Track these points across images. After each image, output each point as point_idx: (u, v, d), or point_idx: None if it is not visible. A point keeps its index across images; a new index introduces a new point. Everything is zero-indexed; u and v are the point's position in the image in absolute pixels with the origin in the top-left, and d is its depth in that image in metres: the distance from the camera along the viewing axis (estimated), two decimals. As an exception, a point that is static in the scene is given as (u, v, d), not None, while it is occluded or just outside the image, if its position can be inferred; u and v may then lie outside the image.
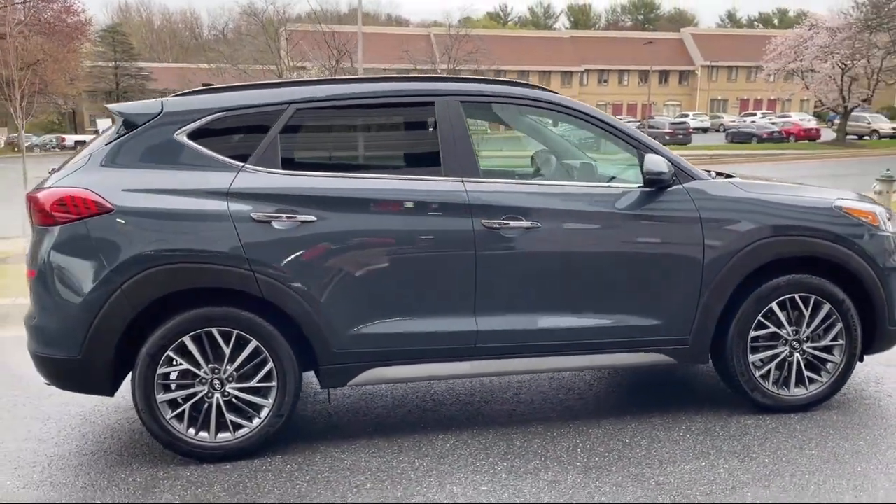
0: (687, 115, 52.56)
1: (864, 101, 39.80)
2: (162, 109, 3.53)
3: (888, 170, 10.42)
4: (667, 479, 3.15)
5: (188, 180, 3.44)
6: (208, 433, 3.46)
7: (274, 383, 3.47)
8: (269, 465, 3.43)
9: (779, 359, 3.78)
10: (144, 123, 3.50)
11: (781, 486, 3.06)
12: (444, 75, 4.30)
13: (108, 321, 3.33)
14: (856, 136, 40.78)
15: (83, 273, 3.34)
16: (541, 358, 3.66)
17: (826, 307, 3.76)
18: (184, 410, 3.44)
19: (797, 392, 3.80)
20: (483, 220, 3.51)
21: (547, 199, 3.65)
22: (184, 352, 3.40)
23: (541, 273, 3.60)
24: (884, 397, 3.99)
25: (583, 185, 3.87)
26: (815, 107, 57.99)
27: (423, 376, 3.67)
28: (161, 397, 3.41)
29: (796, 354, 3.78)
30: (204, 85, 4.22)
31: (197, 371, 3.42)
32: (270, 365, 3.46)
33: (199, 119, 3.52)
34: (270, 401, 3.48)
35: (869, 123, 41.90)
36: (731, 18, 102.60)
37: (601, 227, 3.64)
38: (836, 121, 42.80)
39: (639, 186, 3.69)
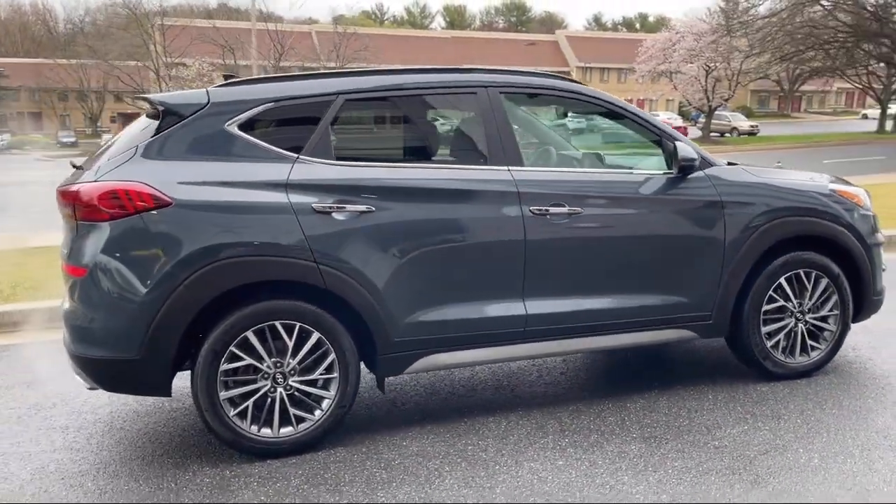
0: (566, 116, 54.56)
1: (725, 100, 42.78)
2: (209, 100, 3.45)
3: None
4: (722, 443, 3.41)
5: (245, 172, 3.38)
6: (271, 429, 3.41)
7: (335, 374, 3.47)
8: (336, 456, 3.43)
9: (786, 330, 4.15)
10: (192, 114, 3.40)
11: (824, 443, 3.39)
12: (482, 67, 4.35)
13: (170, 318, 3.22)
14: (718, 134, 43.74)
15: (142, 269, 3.21)
16: (584, 338, 3.85)
17: (824, 281, 4.16)
18: (247, 407, 3.38)
19: (801, 359, 4.19)
20: (531, 207, 3.65)
21: (587, 185, 3.84)
22: (247, 347, 3.35)
23: (584, 257, 3.79)
24: (865, 361, 4.45)
25: (617, 172, 4.08)
26: (680, 106, 61.90)
27: (477, 360, 3.77)
28: (224, 395, 3.34)
29: (800, 325, 4.17)
30: (225, 77, 4.12)
31: (260, 366, 3.37)
32: (332, 356, 3.45)
33: (249, 110, 3.47)
34: (332, 392, 3.48)
35: (729, 121, 45.12)
36: (598, 22, 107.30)
37: (636, 212, 3.87)
38: (701, 119, 45.74)
39: (664, 173, 3.95)
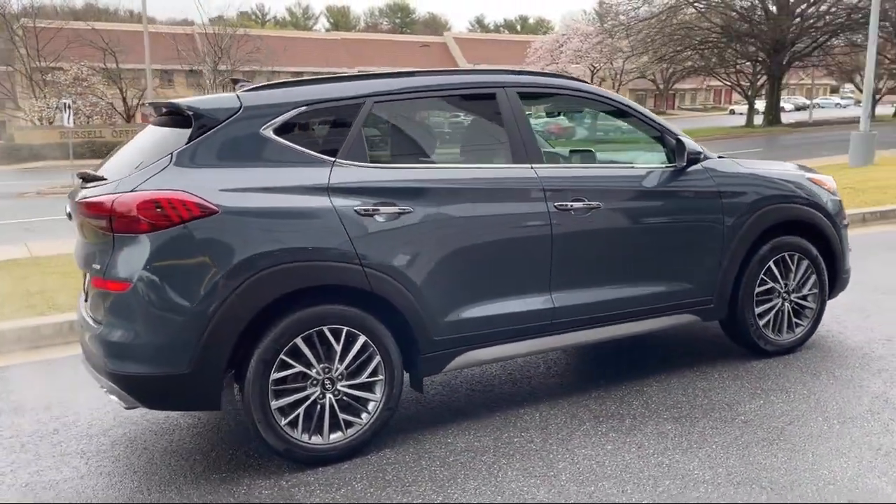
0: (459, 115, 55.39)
1: (609, 99, 44.69)
2: (241, 104, 3.37)
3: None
4: (748, 418, 3.66)
5: (285, 177, 3.33)
6: (321, 435, 3.38)
7: (381, 377, 3.47)
8: (388, 458, 3.43)
9: (775, 310, 4.48)
10: (225, 120, 3.32)
11: (836, 411, 3.70)
12: (498, 68, 4.45)
13: (222, 329, 3.14)
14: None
15: (191, 280, 3.12)
16: (606, 327, 4.01)
17: (805, 262, 4.52)
18: (297, 415, 3.33)
19: (788, 336, 4.53)
20: (555, 203, 3.78)
21: (602, 181, 4.01)
22: (296, 354, 3.30)
23: (603, 249, 3.96)
24: (837, 334, 4.86)
25: (626, 167, 4.26)
26: (565, 105, 63.93)
27: (510, 355, 3.86)
28: (275, 404, 3.28)
29: (786, 304, 4.51)
30: (234, 81, 4.02)
31: (309, 373, 3.33)
32: (378, 359, 3.46)
33: (282, 114, 3.42)
34: (379, 395, 3.48)
35: (614, 120, 47.16)
36: (480, 24, 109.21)
37: (647, 204, 4.08)
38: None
39: (667, 166, 4.17)
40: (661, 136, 4.22)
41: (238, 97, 3.42)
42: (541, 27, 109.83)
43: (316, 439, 3.37)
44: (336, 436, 3.41)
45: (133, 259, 3.11)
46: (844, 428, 3.49)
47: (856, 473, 3.05)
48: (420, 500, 3.04)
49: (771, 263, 4.41)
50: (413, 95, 3.76)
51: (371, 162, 3.52)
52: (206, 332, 3.12)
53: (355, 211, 3.37)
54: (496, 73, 4.00)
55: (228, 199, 3.18)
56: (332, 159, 3.44)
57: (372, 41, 70.58)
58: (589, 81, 33.17)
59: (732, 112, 67.31)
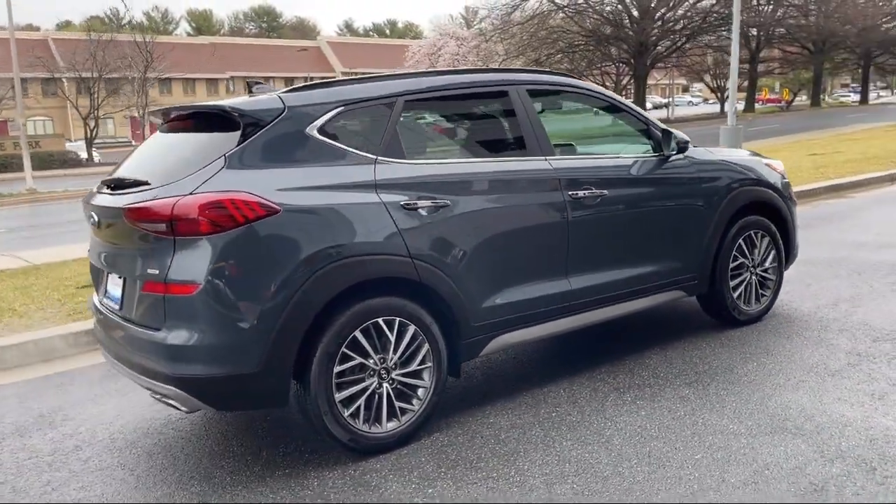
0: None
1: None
2: (284, 105, 3.43)
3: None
4: (752, 378, 4.07)
5: (335, 175, 3.42)
6: (380, 424, 3.49)
7: (430, 364, 3.62)
8: (442, 440, 3.58)
9: (745, 283, 4.96)
10: (273, 121, 3.37)
11: (822, 367, 4.17)
12: (505, 67, 4.64)
13: (290, 326, 3.20)
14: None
15: (259, 280, 3.15)
16: (614, 306, 4.33)
17: (767, 239, 5.04)
18: (359, 406, 3.42)
19: (756, 306, 5.04)
20: (569, 192, 4.06)
21: (606, 170, 4.32)
22: (355, 346, 3.39)
23: (609, 233, 4.27)
24: (789, 303, 5.41)
25: (623, 157, 4.57)
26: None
27: (535, 337, 4.08)
28: (338, 396, 3.36)
29: (754, 277, 5.01)
30: (248, 85, 4.04)
31: (367, 364, 3.43)
32: (426, 347, 3.60)
33: (324, 114, 3.50)
34: (428, 382, 3.62)
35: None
36: (350, 28, 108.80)
37: (643, 191, 4.44)
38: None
39: (654, 155, 4.55)
40: (647, 130, 4.59)
41: (280, 98, 3.47)
42: (410, 31, 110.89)
43: (375, 428, 3.47)
44: (392, 424, 3.52)
45: (199, 261, 3.10)
46: (836, 380, 3.96)
47: (864, 415, 3.50)
48: (494, 475, 3.22)
49: (741, 241, 4.89)
50: (437, 94, 3.93)
51: (408, 158, 3.66)
52: (275, 329, 3.16)
53: (401, 206, 3.50)
54: (506, 71, 4.23)
55: (287, 198, 3.24)
56: (374, 157, 3.55)
57: (241, 45, 68.85)
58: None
59: (597, 113, 70.65)
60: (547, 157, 4.07)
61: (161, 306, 3.20)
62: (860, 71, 60.78)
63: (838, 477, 2.96)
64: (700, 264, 4.69)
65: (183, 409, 3.30)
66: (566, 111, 4.88)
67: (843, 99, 72.89)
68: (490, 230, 3.79)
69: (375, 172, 3.50)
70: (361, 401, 3.43)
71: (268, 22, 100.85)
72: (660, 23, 37.69)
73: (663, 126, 4.56)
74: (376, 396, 3.48)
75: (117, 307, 3.56)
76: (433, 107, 4.01)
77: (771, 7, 38.72)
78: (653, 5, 37.41)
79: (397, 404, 3.54)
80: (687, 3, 37.70)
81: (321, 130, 3.47)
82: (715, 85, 54.53)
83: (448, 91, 3.98)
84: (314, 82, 3.85)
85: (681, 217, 4.60)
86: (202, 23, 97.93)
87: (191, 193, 3.13)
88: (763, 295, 5.09)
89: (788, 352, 4.43)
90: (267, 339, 3.16)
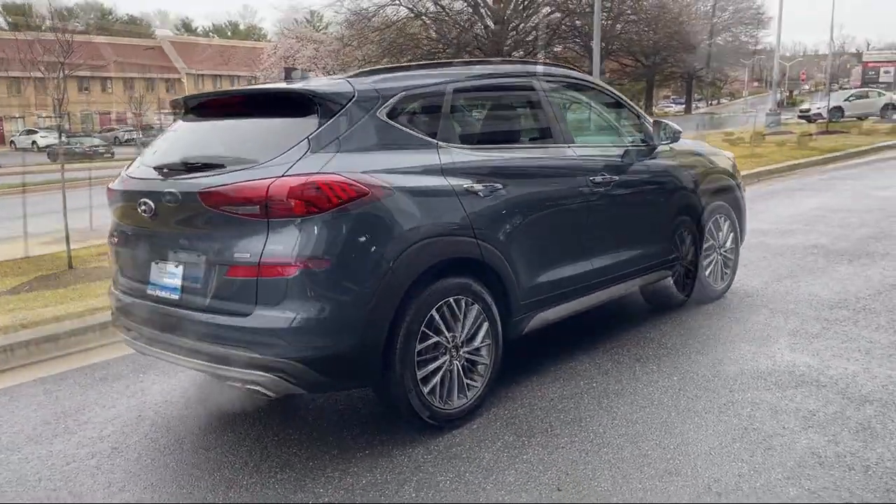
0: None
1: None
2: (353, 89, 3.46)
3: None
4: (725, 347, 4.52)
5: (407, 159, 3.50)
6: (451, 400, 3.59)
7: (489, 341, 3.76)
8: (504, 413, 3.74)
9: (714, 262, 5.48)
10: (346, 104, 3.40)
11: (802, 333, 4.72)
12: (519, 59, 4.78)
13: (383, 305, 3.26)
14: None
15: (353, 260, 3.18)
16: (623, 284, 4.68)
17: (728, 222, 5.59)
18: (434, 383, 3.51)
19: (721, 284, 5.58)
20: (589, 178, 4.35)
21: (613, 157, 4.65)
22: (431, 325, 3.48)
23: (620, 216, 4.61)
24: (738, 280, 6.00)
25: (622, 145, 4.89)
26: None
27: (564, 315, 4.31)
28: (419, 374, 3.43)
29: (719, 257, 5.54)
30: (287, 70, 3.99)
31: (441, 341, 3.53)
32: (486, 324, 3.74)
33: (389, 99, 3.57)
34: (488, 358, 3.76)
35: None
36: (188, 27, 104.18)
37: (644, 177, 4.81)
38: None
39: (646, 145, 4.94)
40: (640, 123, 4.98)
41: (349, 83, 3.49)
42: (253, 33, 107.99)
43: (447, 405, 3.57)
44: (461, 400, 3.64)
45: (295, 243, 3.08)
46: (822, 341, 4.50)
47: (864, 368, 4.04)
48: (576, 439, 3.42)
49: (710, 224, 5.40)
50: (479, 83, 4.09)
51: (462, 144, 3.79)
52: (368, 308, 3.20)
53: (465, 189, 3.63)
54: (528, 63, 4.46)
55: (373, 180, 3.28)
56: (435, 142, 3.65)
57: (75, 43, 64.10)
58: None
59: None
60: (570, 145, 4.34)
61: (252, 290, 3.13)
62: (683, 84, 66.46)
63: (876, 416, 3.44)
64: (682, 246, 5.14)
65: (270, 395, 3.25)
66: (565, 101, 5.16)
67: (666, 109, 79.09)
68: (533, 213, 3.99)
69: (440, 157, 3.61)
70: (437, 378, 3.52)
71: (95, 18, 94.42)
72: (514, 32, 39.28)
73: (659, 118, 4.97)
74: (448, 373, 3.58)
75: (176, 296, 3.43)
76: (475, 96, 4.15)
77: (610, 22, 41.42)
78: (505, 17, 38.88)
79: (465, 381, 3.66)
80: (537, 15, 39.55)
81: (389, 115, 3.53)
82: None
83: (487, 80, 4.15)
84: (372, 68, 3.88)
85: (670, 201, 5.03)
86: (18, 18, 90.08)
87: (284, 175, 3.11)
88: (725, 273, 5.64)
89: (766, 320, 4.97)
90: (361, 318, 3.19)
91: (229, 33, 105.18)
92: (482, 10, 39.03)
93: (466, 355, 3.66)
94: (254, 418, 3.86)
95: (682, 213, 5.10)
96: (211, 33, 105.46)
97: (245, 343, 3.14)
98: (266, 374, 3.14)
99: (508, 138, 4.31)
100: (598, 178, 4.39)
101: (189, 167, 3.39)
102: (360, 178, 3.23)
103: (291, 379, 3.16)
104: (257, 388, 3.22)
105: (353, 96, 3.43)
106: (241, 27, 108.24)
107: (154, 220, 3.48)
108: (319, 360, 3.15)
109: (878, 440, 3.21)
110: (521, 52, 39.68)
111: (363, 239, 3.21)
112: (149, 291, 3.60)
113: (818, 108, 32.21)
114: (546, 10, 39.12)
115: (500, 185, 3.80)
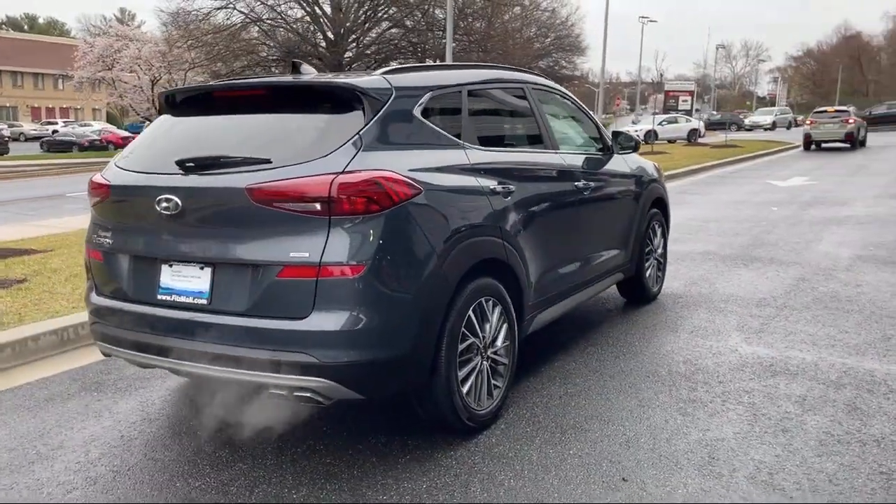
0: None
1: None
2: (391, 86, 3.39)
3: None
4: (688, 343, 4.88)
5: (441, 157, 3.48)
6: (482, 402, 3.58)
7: (508, 342, 3.79)
8: (523, 413, 3.78)
9: (651, 266, 5.86)
10: (388, 101, 3.31)
11: (752, 328, 5.17)
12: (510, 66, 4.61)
13: (434, 305, 3.22)
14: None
15: (411, 260, 3.12)
16: (598, 284, 4.91)
17: (661, 228, 6.00)
18: (471, 385, 3.49)
19: (656, 287, 5.98)
20: (575, 182, 4.53)
21: (589, 163, 4.84)
22: (469, 326, 3.46)
23: (598, 219, 4.84)
24: (665, 284, 6.45)
25: (593, 153, 5.07)
26: (108, 116, 59.56)
27: (557, 315, 4.42)
28: (460, 375, 3.40)
29: (655, 261, 5.93)
30: (293, 65, 3.80)
31: (475, 342, 3.51)
32: (506, 326, 3.77)
33: (422, 97, 3.52)
34: (507, 359, 3.78)
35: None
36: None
37: (611, 182, 5.07)
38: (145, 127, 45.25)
39: (605, 153, 5.19)
40: (600, 134, 5.23)
41: (386, 79, 3.40)
42: (54, 28, 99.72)
43: (480, 406, 3.55)
44: (489, 401, 3.63)
45: (360, 241, 2.95)
46: (769, 336, 4.95)
47: (818, 357, 4.50)
48: (608, 431, 3.53)
49: (649, 229, 5.78)
50: (486, 87, 4.12)
51: (480, 145, 3.80)
52: (423, 309, 3.13)
53: (490, 189, 3.65)
54: (520, 70, 4.56)
55: (422, 178, 3.22)
56: (461, 141, 3.65)
57: None
58: (149, 91, 32.13)
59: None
60: (557, 151, 4.49)
61: (310, 292, 2.95)
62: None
63: (856, 398, 3.85)
64: (632, 248, 5.46)
65: (323, 401, 3.08)
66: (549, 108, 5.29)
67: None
68: (539, 214, 4.08)
69: (468, 156, 3.61)
70: (472, 379, 3.50)
71: None
72: (355, 45, 39.23)
73: (621, 129, 5.25)
74: (480, 375, 3.56)
75: (203, 300, 3.15)
76: (484, 99, 4.15)
77: (445, 41, 42.48)
78: (342, 31, 38.70)
79: (493, 381, 3.66)
80: (378, 28, 39.78)
81: (423, 113, 3.48)
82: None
83: (493, 85, 4.20)
84: (396, 66, 3.78)
85: (630, 206, 5.33)
86: None
87: (345, 171, 2.97)
88: (659, 276, 6.04)
89: (709, 317, 5.39)
90: (420, 319, 3.12)
91: (26, 27, 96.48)
92: (322, 20, 38.63)
93: (493, 356, 3.66)
94: (258, 429, 3.61)
95: (637, 216, 5.43)
96: (4, 26, 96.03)
97: (301, 347, 2.95)
98: (323, 380, 2.97)
99: (511, 141, 4.38)
100: (580, 183, 4.57)
101: (219, 163, 3.13)
102: (411, 176, 3.16)
103: (351, 384, 3.01)
104: (310, 394, 3.03)
105: (393, 93, 3.35)
106: (41, 21, 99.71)
107: (173, 219, 3.18)
108: (380, 364, 3.03)
109: (871, 418, 3.61)
110: (361, 65, 39.75)
111: (419, 239, 3.14)
112: (160, 297, 3.27)
113: (636, 132, 35.04)
114: (386, 24, 39.43)
115: (513, 187, 3.85)
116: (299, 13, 38.57)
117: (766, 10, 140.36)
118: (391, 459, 3.31)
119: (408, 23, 40.17)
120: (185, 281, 3.21)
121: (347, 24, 38.08)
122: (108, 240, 3.45)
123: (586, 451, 3.35)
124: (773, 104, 69.67)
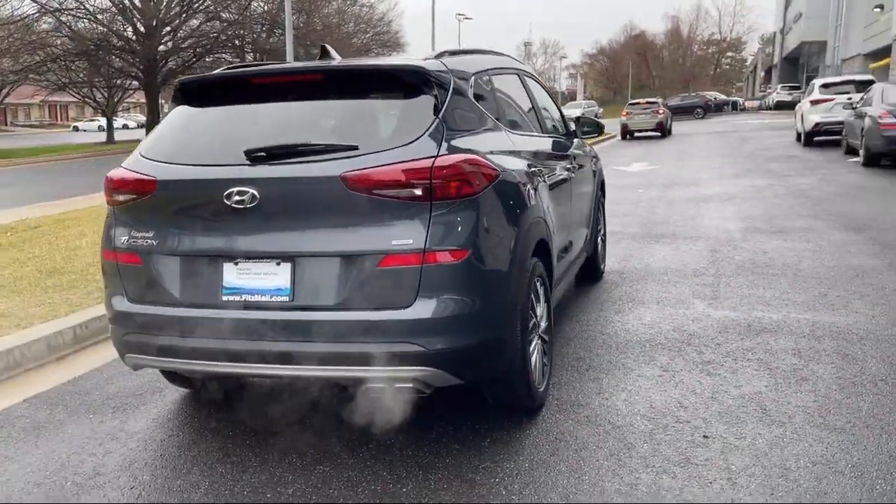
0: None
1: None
2: (448, 69, 3.35)
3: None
4: (659, 312, 5.24)
5: (497, 141, 3.52)
6: (541, 384, 3.63)
7: (549, 322, 3.86)
8: (570, 393, 3.87)
9: (601, 245, 6.17)
10: (452, 85, 3.28)
11: (700, 292, 5.59)
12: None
13: (519, 286, 3.27)
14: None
15: (503, 241, 3.16)
16: (578, 262, 5.09)
17: (601, 211, 6.32)
18: (535, 365, 3.52)
19: (604, 265, 6.31)
20: (566, 164, 4.69)
21: (569, 146, 5.01)
22: (532, 305, 3.49)
23: (578, 201, 4.99)
24: (622, 256, 6.79)
25: (563, 138, 5.20)
26: None
27: (560, 296, 4.54)
28: (531, 357, 3.44)
29: (601, 241, 6.24)
30: (322, 50, 3.61)
31: (536, 321, 3.56)
32: (546, 306, 3.83)
33: (470, 80, 3.53)
34: (549, 338, 3.85)
35: None
36: None
37: (584, 165, 5.29)
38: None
39: (567, 137, 5.38)
40: (563, 117, 5.42)
41: (443, 63, 3.35)
42: None
43: (540, 385, 3.60)
44: (545, 381, 3.69)
45: (462, 225, 2.90)
46: (729, 300, 5.37)
47: (783, 315, 4.97)
48: (652, 416, 3.72)
49: (601, 207, 6.08)
50: (503, 72, 4.20)
51: (509, 128, 3.83)
52: (512, 291, 3.14)
53: (533, 171, 3.71)
54: (511, 57, 4.61)
55: (496, 161, 3.22)
56: (501, 125, 3.67)
57: None
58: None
59: (76, 129, 64.97)
60: (549, 135, 4.63)
61: (413, 279, 2.85)
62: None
63: (845, 346, 4.31)
64: (592, 229, 5.71)
65: (424, 390, 2.99)
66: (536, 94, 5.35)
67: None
68: (553, 198, 4.16)
69: (511, 140, 3.64)
70: (535, 359, 3.54)
71: None
72: (170, 37, 37.01)
73: (576, 115, 5.48)
74: (537, 355, 3.61)
75: (284, 297, 2.94)
76: (503, 84, 4.15)
77: (265, 35, 41.30)
78: (154, 23, 36.40)
79: (543, 360, 3.72)
80: (193, 22, 37.83)
81: (475, 97, 3.47)
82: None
83: (507, 70, 4.30)
84: (442, 51, 3.66)
85: (589, 188, 5.57)
86: None
87: (440, 155, 2.90)
88: (604, 255, 6.37)
89: (662, 288, 5.77)
90: (511, 300, 3.13)
91: None
92: (130, 11, 36.01)
93: (541, 336, 3.72)
94: (314, 430, 3.42)
95: (594, 196, 5.71)
96: None
97: (406, 336, 2.86)
98: (429, 369, 2.90)
99: (522, 125, 4.43)
100: (571, 164, 4.74)
101: (300, 151, 2.93)
102: (490, 159, 3.15)
103: (455, 370, 2.96)
104: (413, 384, 2.94)
105: (452, 77, 3.30)
106: None
107: (243, 214, 2.93)
108: (483, 347, 3.01)
109: (866, 363, 4.07)
110: (178, 59, 37.65)
111: (506, 220, 3.16)
112: (225, 298, 3.01)
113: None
114: (202, 16, 37.55)
115: (543, 169, 3.95)
116: (104, 3, 35.74)
117: (562, 12, 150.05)
118: (473, 445, 3.28)
119: (224, 15, 38.59)
120: (258, 279, 2.97)
121: (159, 16, 35.88)
122: (147, 241, 3.10)
123: (658, 425, 3.47)
124: (573, 99, 74.65)
